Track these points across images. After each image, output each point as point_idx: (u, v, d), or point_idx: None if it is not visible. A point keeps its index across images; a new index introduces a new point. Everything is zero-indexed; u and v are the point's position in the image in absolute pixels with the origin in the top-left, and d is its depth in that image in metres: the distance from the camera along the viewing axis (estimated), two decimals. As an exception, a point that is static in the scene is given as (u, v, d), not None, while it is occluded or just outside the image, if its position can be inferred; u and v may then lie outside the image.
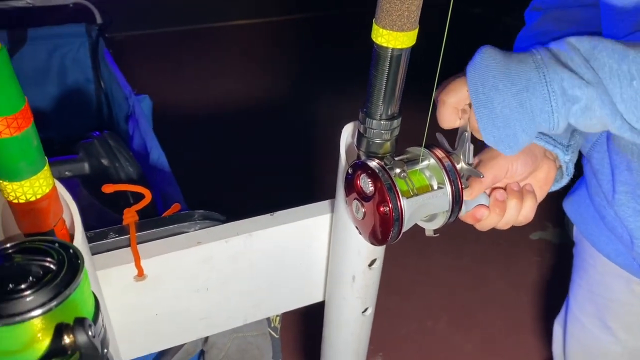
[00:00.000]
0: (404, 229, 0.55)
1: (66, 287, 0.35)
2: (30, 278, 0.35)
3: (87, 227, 0.57)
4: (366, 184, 0.53)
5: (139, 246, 0.64)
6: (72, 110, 1.94)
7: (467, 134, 0.57)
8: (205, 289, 0.71)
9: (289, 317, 0.92)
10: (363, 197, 0.54)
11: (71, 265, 0.36)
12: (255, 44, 3.62)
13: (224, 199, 0.78)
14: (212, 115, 2.71)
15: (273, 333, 0.86)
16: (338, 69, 3.24)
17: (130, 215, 0.66)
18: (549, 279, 2.06)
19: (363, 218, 0.55)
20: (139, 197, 0.67)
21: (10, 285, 0.35)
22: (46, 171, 0.48)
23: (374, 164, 0.53)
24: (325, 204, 0.73)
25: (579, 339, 1.02)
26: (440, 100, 0.57)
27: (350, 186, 0.56)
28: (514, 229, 0.65)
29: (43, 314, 0.34)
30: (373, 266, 0.71)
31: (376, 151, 0.57)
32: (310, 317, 0.90)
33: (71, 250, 0.38)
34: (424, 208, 0.55)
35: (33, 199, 0.48)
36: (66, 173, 1.12)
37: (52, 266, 0.36)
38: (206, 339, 0.83)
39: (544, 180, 0.66)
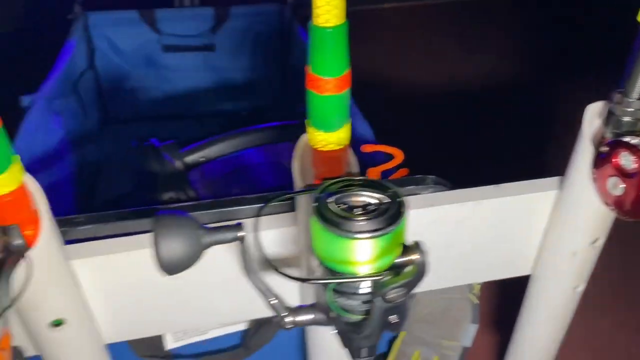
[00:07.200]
0: None
1: (400, 216, 0.43)
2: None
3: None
4: (628, 161, 0.56)
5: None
6: (260, 84, 2.11)
7: None
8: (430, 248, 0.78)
9: (485, 286, 0.96)
10: (624, 174, 0.57)
11: (399, 200, 0.45)
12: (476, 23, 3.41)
13: (450, 172, 0.81)
14: (433, 94, 2.64)
15: (474, 298, 0.91)
16: (566, 51, 3.00)
17: (375, 174, 0.75)
18: None
19: (622, 194, 0.58)
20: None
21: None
22: (347, 127, 0.57)
23: (637, 141, 0.56)
24: (552, 180, 0.76)
25: None
26: None
27: (605, 163, 0.59)
28: None
29: (391, 232, 0.42)
30: (595, 244, 0.74)
31: (631, 129, 0.59)
32: (507, 288, 0.93)
33: (391, 190, 0.46)
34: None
35: (336, 148, 0.57)
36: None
37: (387, 199, 0.44)
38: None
39: None
